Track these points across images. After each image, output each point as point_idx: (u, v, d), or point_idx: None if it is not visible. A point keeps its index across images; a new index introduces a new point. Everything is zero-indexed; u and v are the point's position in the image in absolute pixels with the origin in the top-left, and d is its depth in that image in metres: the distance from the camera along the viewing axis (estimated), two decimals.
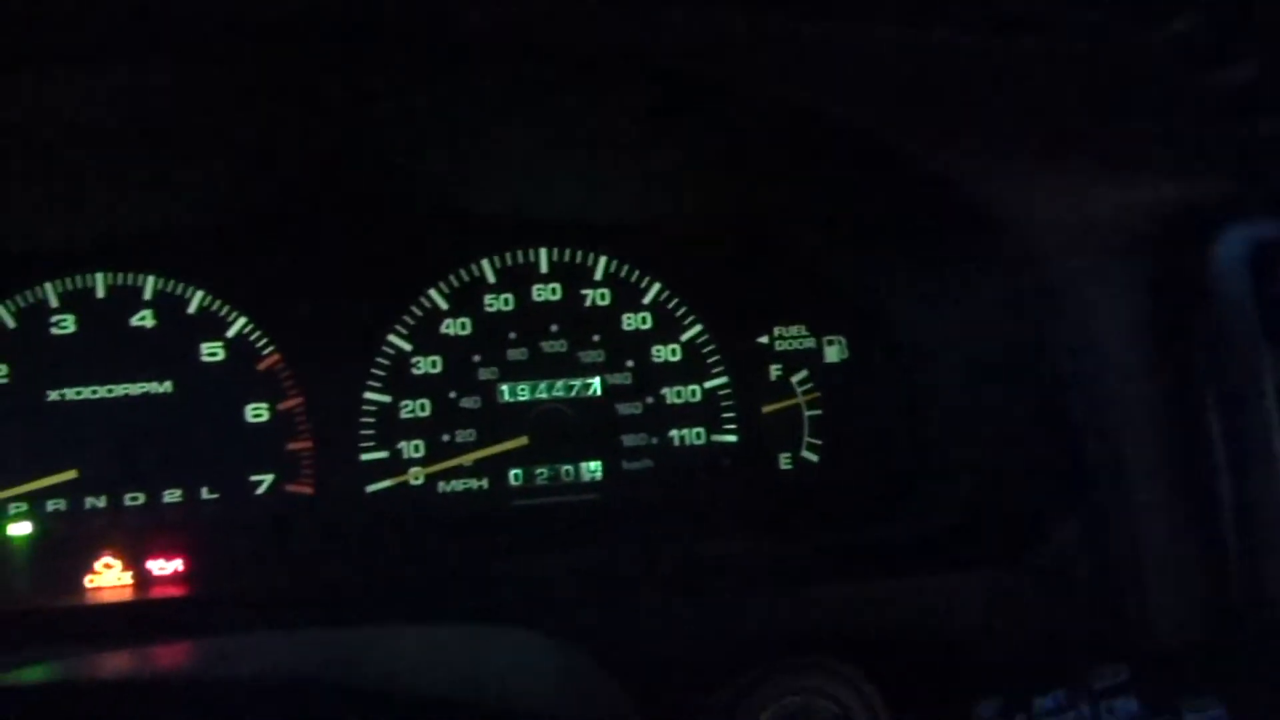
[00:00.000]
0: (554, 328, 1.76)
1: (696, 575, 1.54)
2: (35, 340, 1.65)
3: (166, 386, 1.67)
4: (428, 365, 1.73)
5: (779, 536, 1.69)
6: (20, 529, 1.62)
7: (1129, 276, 1.38)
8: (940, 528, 1.66)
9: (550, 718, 1.30)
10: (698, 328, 1.79)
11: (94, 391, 1.66)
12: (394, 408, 1.72)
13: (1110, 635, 1.39)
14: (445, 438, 1.73)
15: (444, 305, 1.74)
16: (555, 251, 1.77)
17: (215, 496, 1.67)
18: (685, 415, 1.78)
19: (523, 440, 1.73)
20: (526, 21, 1.16)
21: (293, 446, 1.69)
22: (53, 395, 1.65)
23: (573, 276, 1.77)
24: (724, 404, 1.79)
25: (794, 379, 1.81)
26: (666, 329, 1.78)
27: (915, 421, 1.77)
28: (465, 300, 1.75)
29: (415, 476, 1.72)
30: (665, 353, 1.78)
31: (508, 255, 1.76)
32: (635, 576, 1.56)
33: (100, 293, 1.67)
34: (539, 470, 1.75)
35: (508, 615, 1.34)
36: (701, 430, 1.78)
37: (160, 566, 1.61)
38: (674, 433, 1.78)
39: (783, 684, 1.33)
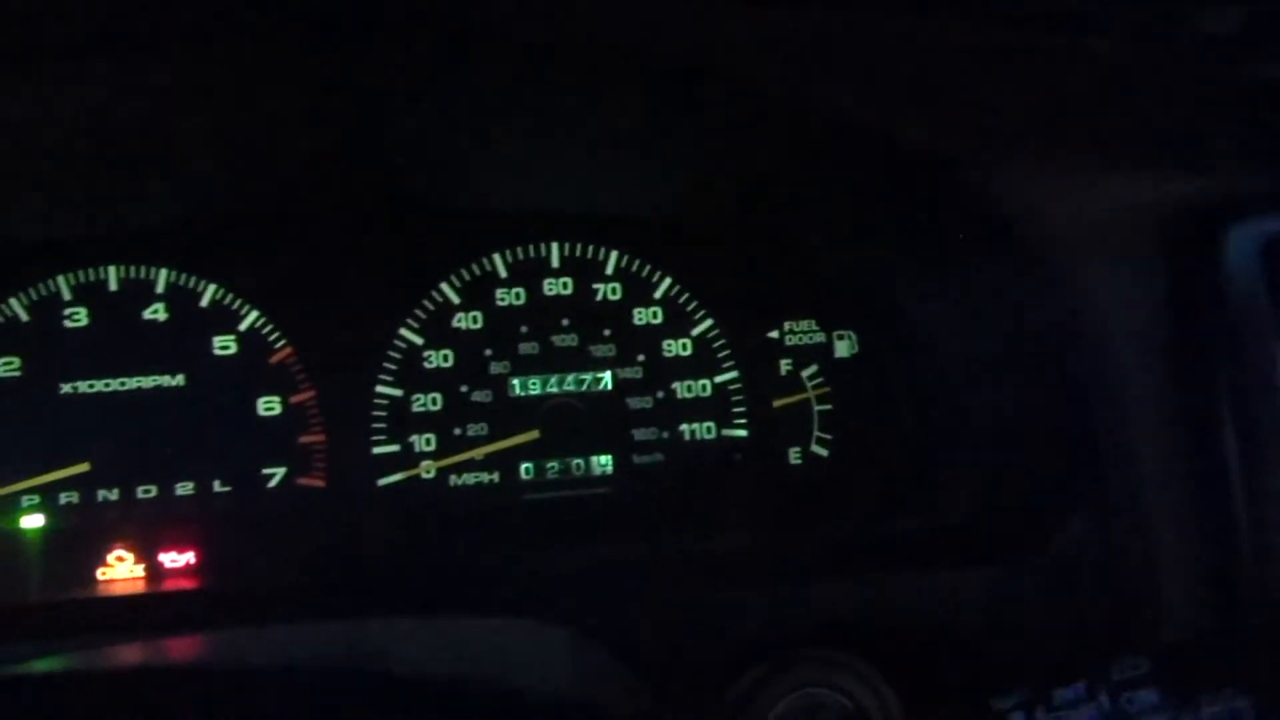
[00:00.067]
0: (565, 322, 1.75)
1: (706, 569, 1.53)
2: (48, 333, 1.63)
3: (179, 380, 1.66)
4: (439, 359, 1.72)
5: (789, 531, 1.68)
6: (33, 521, 1.61)
7: (1140, 271, 1.38)
8: (951, 522, 1.66)
9: (563, 709, 1.28)
10: (708, 322, 1.77)
11: (106, 384, 1.65)
12: (405, 401, 1.70)
13: (1122, 628, 1.38)
14: (457, 431, 1.71)
15: (456, 299, 1.73)
16: (566, 246, 1.76)
17: (227, 490, 1.66)
18: (696, 409, 1.77)
19: (534, 434, 1.72)
20: (536, 18, 1.15)
21: (304, 440, 1.68)
22: (65, 388, 1.63)
23: (584, 271, 1.76)
24: (734, 398, 1.77)
25: (804, 374, 1.80)
26: (677, 324, 1.77)
27: (925, 416, 1.75)
28: (477, 294, 1.73)
29: (427, 470, 1.70)
30: (676, 347, 1.77)
31: (519, 250, 1.75)
32: (645, 570, 1.54)
33: (113, 286, 1.66)
34: (550, 464, 1.74)
35: (518, 609, 1.33)
36: (712, 425, 1.77)
37: (172, 559, 1.60)
38: (684, 427, 1.77)
39: (796, 678, 1.32)
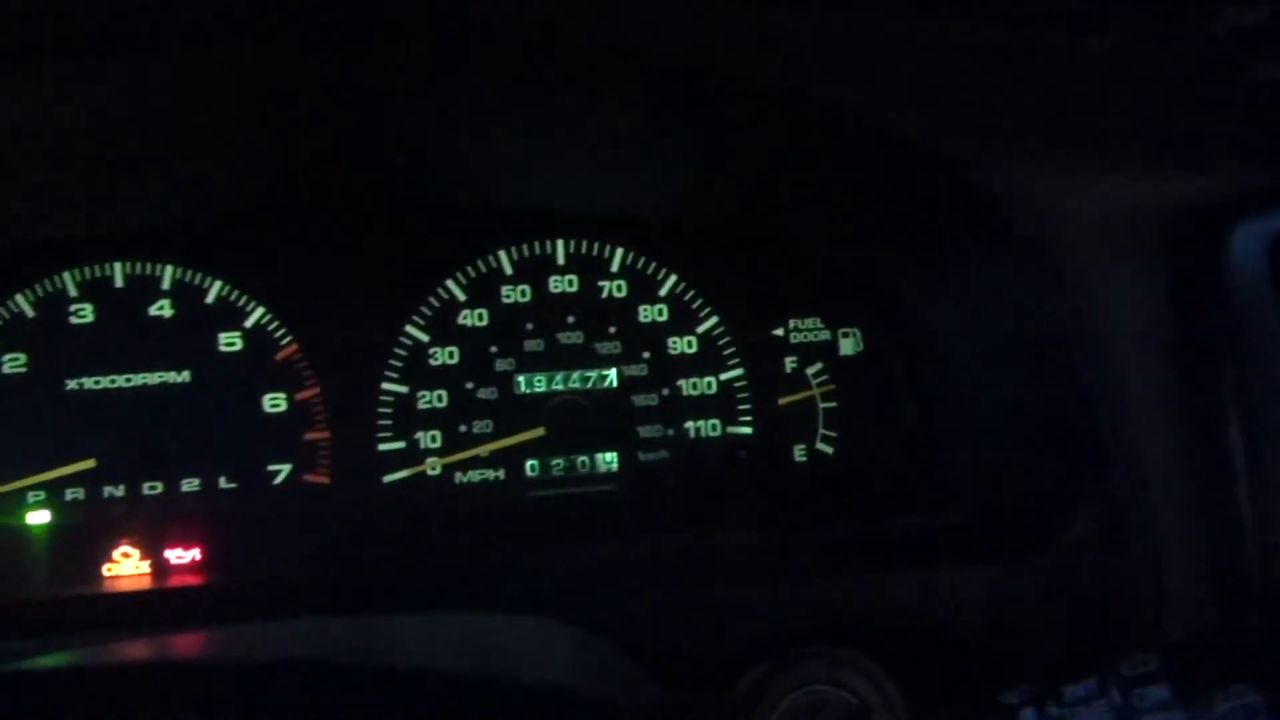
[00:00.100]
0: (571, 319, 1.74)
1: (711, 566, 1.52)
2: (54, 329, 1.63)
3: (184, 376, 1.65)
4: (445, 356, 1.71)
5: (794, 528, 1.67)
6: (39, 517, 1.61)
7: (1144, 270, 1.37)
8: (955, 520, 1.64)
9: (568, 704, 1.28)
10: (714, 320, 1.76)
11: (112, 381, 1.64)
12: (411, 398, 1.70)
13: (1126, 626, 1.37)
14: (462, 428, 1.71)
15: (461, 296, 1.72)
16: (572, 243, 1.75)
17: (233, 486, 1.65)
18: (701, 407, 1.76)
19: (539, 431, 1.71)
20: (539, 16, 1.14)
21: (310, 436, 1.67)
22: (71, 384, 1.63)
23: (590, 268, 1.75)
24: (739, 396, 1.77)
25: (809, 371, 1.79)
26: (683, 321, 1.76)
27: (929, 414, 1.75)
28: (483, 291, 1.73)
29: (432, 467, 1.70)
30: (681, 344, 1.76)
31: (525, 247, 1.74)
32: (650, 567, 1.53)
33: (119, 282, 1.65)
34: (555, 461, 1.73)
35: (524, 605, 1.32)
36: (717, 422, 1.76)
37: (178, 555, 1.59)
38: (690, 424, 1.76)
39: (800, 675, 1.31)
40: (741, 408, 1.77)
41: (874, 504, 1.74)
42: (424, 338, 1.70)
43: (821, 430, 1.78)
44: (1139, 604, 1.37)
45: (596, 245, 1.76)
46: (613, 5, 1.13)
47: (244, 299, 1.67)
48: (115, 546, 1.57)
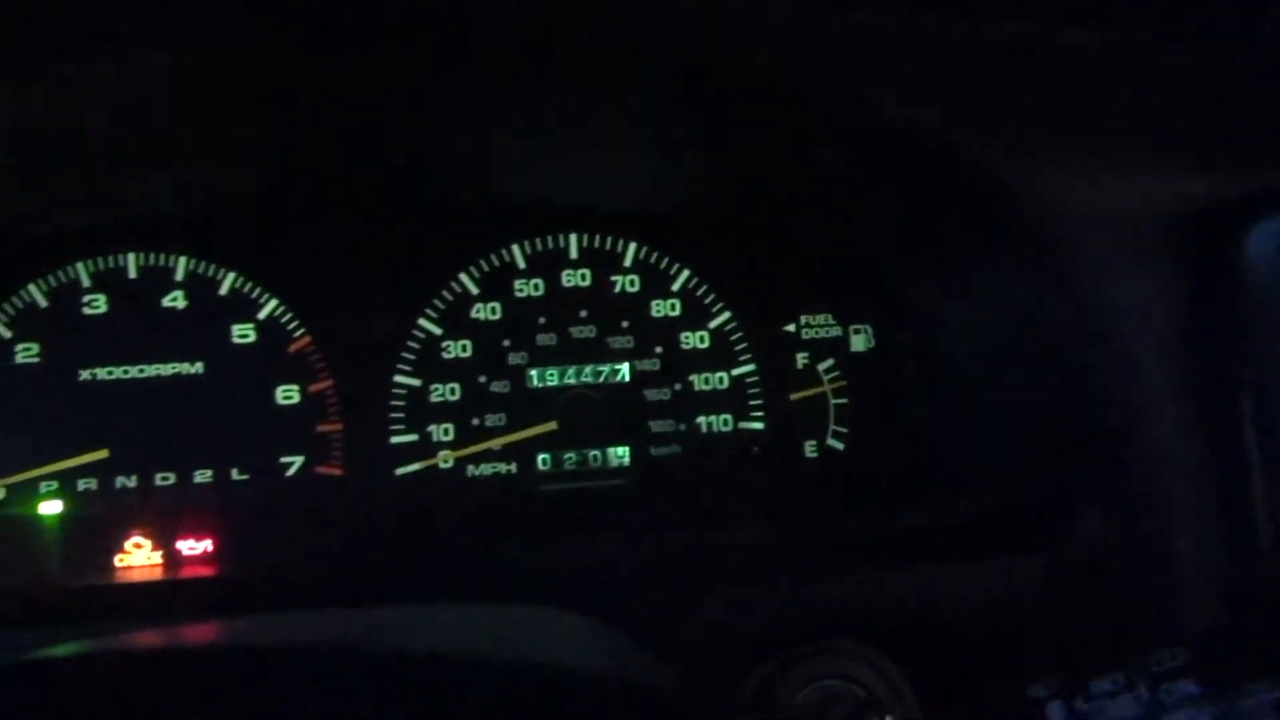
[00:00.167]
0: (583, 313, 1.72)
1: (722, 561, 1.50)
2: (67, 319, 1.61)
3: (197, 367, 1.63)
4: (458, 349, 1.69)
5: (805, 524, 1.65)
6: (51, 508, 1.58)
7: (1161, 267, 1.36)
8: (967, 516, 1.62)
9: (578, 696, 1.25)
10: (726, 315, 1.75)
11: (125, 371, 1.62)
12: (424, 391, 1.68)
13: (1139, 623, 1.36)
14: (475, 422, 1.69)
15: (474, 290, 1.70)
16: (585, 238, 1.73)
17: (245, 477, 1.63)
18: (713, 402, 1.74)
19: (551, 425, 1.69)
20: (549, 12, 1.12)
21: (323, 428, 1.65)
22: (84, 375, 1.61)
23: (602, 263, 1.73)
24: (751, 391, 1.75)
25: (820, 367, 1.77)
26: (695, 316, 1.74)
27: (942, 411, 1.72)
28: (496, 285, 1.71)
29: (444, 460, 1.68)
30: (694, 339, 1.74)
31: (538, 241, 1.72)
32: (661, 562, 1.51)
33: (132, 273, 1.63)
34: (567, 455, 1.71)
35: (534, 599, 1.29)
36: (729, 417, 1.74)
37: (190, 546, 1.57)
38: (702, 419, 1.74)
39: (810, 670, 1.30)
40: (753, 403, 1.75)
41: (885, 500, 1.72)
42: (437, 331, 1.68)
43: (833, 426, 1.77)
44: (1149, 601, 1.36)
45: (609, 240, 1.74)
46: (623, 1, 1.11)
47: (257, 291, 1.65)
48: (127, 537, 1.55)
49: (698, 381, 1.74)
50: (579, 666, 1.24)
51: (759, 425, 1.74)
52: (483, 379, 1.69)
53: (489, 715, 1.10)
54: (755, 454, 1.73)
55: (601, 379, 1.72)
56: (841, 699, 1.30)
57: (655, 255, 1.74)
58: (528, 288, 1.71)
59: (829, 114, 1.33)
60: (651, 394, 1.73)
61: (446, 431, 1.68)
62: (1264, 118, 1.30)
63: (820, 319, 1.77)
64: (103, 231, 1.63)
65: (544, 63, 1.26)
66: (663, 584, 1.39)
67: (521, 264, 1.71)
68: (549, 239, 1.72)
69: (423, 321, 1.68)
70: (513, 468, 1.70)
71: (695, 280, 1.74)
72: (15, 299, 1.60)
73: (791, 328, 1.77)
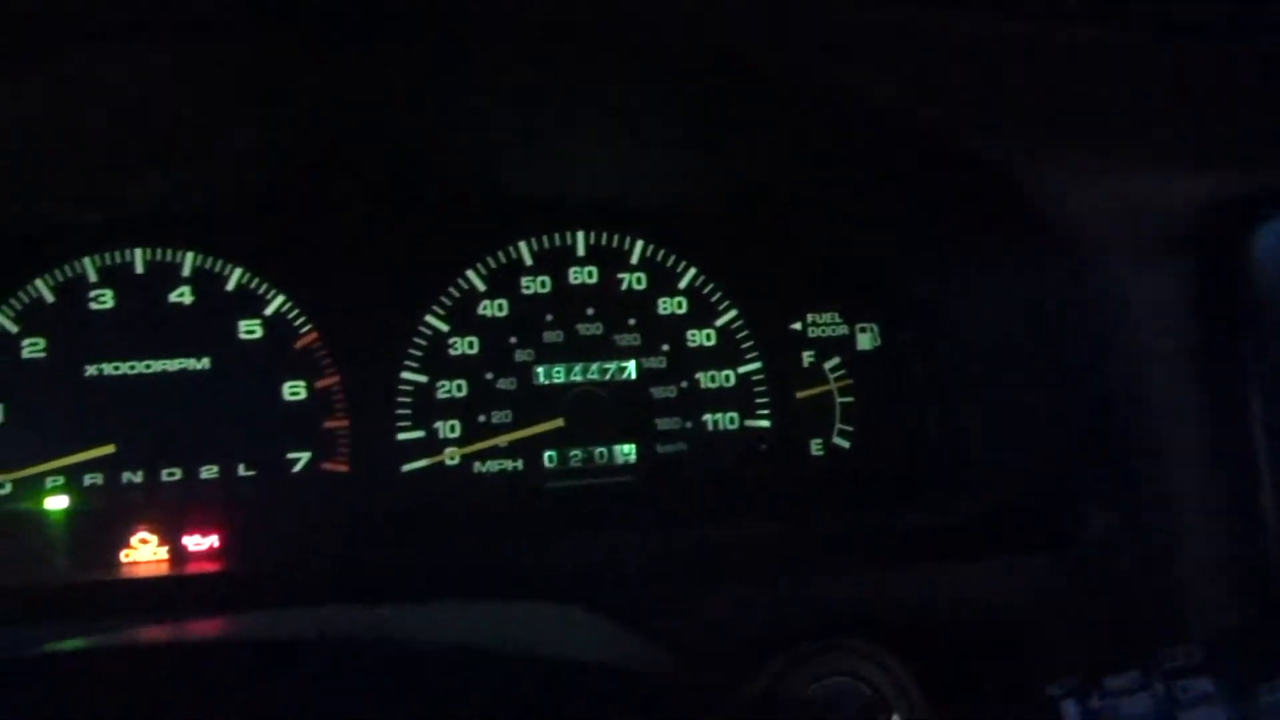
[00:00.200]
0: (590, 311, 1.71)
1: (727, 559, 1.49)
2: (73, 315, 1.59)
3: (204, 363, 1.62)
4: (465, 346, 1.68)
5: (810, 522, 1.64)
6: (57, 503, 1.57)
7: (1168, 266, 1.35)
8: (973, 515, 1.61)
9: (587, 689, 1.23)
10: (732, 313, 1.74)
11: (131, 367, 1.60)
12: (430, 388, 1.66)
13: (1148, 622, 1.34)
14: (481, 418, 1.67)
15: (481, 286, 1.69)
16: (592, 235, 1.72)
17: (252, 473, 1.62)
18: (719, 400, 1.73)
19: (558, 422, 1.68)
20: (562, 6, 1.10)
21: (329, 425, 1.64)
22: (90, 370, 1.59)
23: (609, 260, 1.72)
24: (757, 389, 1.74)
25: (826, 366, 1.76)
26: (701, 314, 1.73)
27: (948, 410, 1.71)
28: (503, 282, 1.69)
29: (450, 456, 1.66)
30: (700, 337, 1.73)
31: (545, 238, 1.71)
32: (666, 559, 1.50)
33: (139, 268, 1.62)
34: (573, 452, 1.70)
35: (540, 595, 1.28)
36: (735, 415, 1.73)
37: (196, 542, 1.55)
38: (708, 417, 1.73)
39: (816, 668, 1.28)
40: (759, 401, 1.74)
41: (890, 498, 1.70)
42: (444, 327, 1.67)
43: (838, 424, 1.75)
44: (1157, 600, 1.34)
45: (616, 237, 1.73)
46: None
47: (264, 287, 1.64)
48: (133, 532, 1.54)
49: (704, 379, 1.73)
50: (585, 660, 1.23)
51: (765, 423, 1.73)
52: (489, 376, 1.68)
53: (496, 708, 1.09)
54: (763, 452, 1.72)
55: (608, 376, 1.70)
56: (848, 697, 1.29)
57: (662, 253, 1.73)
58: (535, 285, 1.70)
59: (841, 110, 1.32)
60: (658, 391, 1.71)
61: (453, 428, 1.67)
62: (1267, 117, 1.29)
63: (826, 317, 1.76)
64: (109, 227, 1.61)
65: (549, 59, 1.25)
66: (669, 581, 1.38)
67: (529, 261, 1.70)
68: (556, 236, 1.71)
69: (429, 318, 1.67)
70: (519, 465, 1.69)
71: (702, 278, 1.73)
72: (22, 294, 1.58)
73: (798, 326, 1.76)
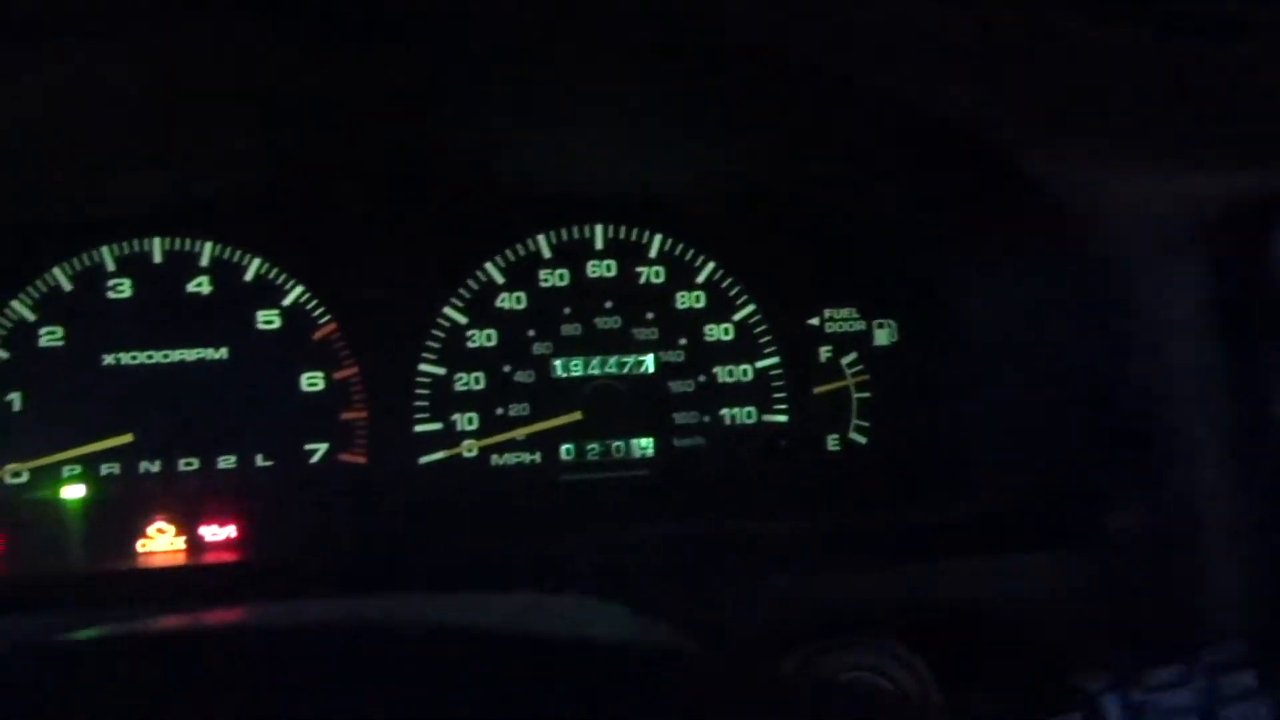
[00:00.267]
0: (608, 304, 1.68)
1: (744, 554, 1.46)
2: (91, 304, 1.57)
3: (222, 353, 1.59)
4: (483, 338, 1.65)
5: (827, 517, 1.61)
6: (74, 492, 1.54)
7: (1191, 261, 1.33)
8: (991, 511, 1.58)
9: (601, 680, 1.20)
10: (750, 307, 1.71)
11: (149, 356, 1.58)
12: (448, 380, 1.64)
13: (1171, 620, 1.32)
14: (499, 411, 1.65)
15: (500, 279, 1.66)
16: (610, 228, 1.70)
17: (269, 464, 1.59)
18: (737, 394, 1.70)
19: (576, 415, 1.65)
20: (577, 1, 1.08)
21: (347, 416, 1.61)
22: (108, 359, 1.56)
23: (627, 253, 1.69)
24: (775, 384, 1.71)
25: (844, 361, 1.73)
26: (719, 308, 1.71)
27: (965, 406, 1.68)
28: (521, 275, 1.67)
29: (468, 449, 1.64)
30: (718, 331, 1.70)
31: (563, 231, 1.69)
32: (683, 553, 1.47)
33: (157, 258, 1.59)
34: (590, 446, 1.67)
35: (557, 588, 1.25)
36: (753, 410, 1.71)
37: (213, 532, 1.53)
38: (725, 411, 1.70)
39: (835, 663, 1.25)
40: (777, 396, 1.71)
41: (907, 494, 1.68)
42: (462, 320, 1.64)
43: (855, 420, 1.73)
44: (1183, 597, 1.32)
45: (635, 231, 1.70)
46: None
47: (283, 277, 1.61)
48: (150, 522, 1.51)
49: (722, 374, 1.70)
50: (612, 642, 1.20)
51: (782, 418, 1.71)
52: (507, 368, 1.65)
53: (518, 693, 1.06)
54: (782, 447, 1.69)
55: (626, 370, 1.68)
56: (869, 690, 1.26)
57: (681, 247, 1.70)
58: (553, 278, 1.67)
59: (850, 104, 1.30)
60: (676, 385, 1.69)
61: (470, 420, 1.64)
62: None
63: (844, 313, 1.74)
64: (128, 216, 1.59)
65: (561, 54, 1.23)
66: (685, 576, 1.35)
67: (547, 254, 1.67)
68: (574, 229, 1.69)
69: (448, 310, 1.64)
70: (536, 458, 1.66)
71: (720, 273, 1.71)
72: (40, 282, 1.55)
73: (815, 321, 1.73)
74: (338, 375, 1.61)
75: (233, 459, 1.58)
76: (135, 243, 1.58)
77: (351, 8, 1.10)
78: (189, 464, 1.57)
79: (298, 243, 1.61)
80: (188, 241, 1.59)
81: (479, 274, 1.65)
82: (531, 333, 1.66)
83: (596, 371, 1.67)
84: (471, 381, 1.64)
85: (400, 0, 1.09)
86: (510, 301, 1.66)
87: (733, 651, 1.26)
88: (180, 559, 1.48)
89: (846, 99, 1.30)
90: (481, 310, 1.65)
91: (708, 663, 1.06)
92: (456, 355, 1.64)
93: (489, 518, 1.61)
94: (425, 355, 1.63)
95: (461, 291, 1.64)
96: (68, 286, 1.56)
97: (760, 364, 1.71)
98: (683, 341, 1.69)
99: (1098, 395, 1.42)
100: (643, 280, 1.69)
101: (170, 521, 1.51)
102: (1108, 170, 1.28)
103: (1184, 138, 1.30)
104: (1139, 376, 1.35)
